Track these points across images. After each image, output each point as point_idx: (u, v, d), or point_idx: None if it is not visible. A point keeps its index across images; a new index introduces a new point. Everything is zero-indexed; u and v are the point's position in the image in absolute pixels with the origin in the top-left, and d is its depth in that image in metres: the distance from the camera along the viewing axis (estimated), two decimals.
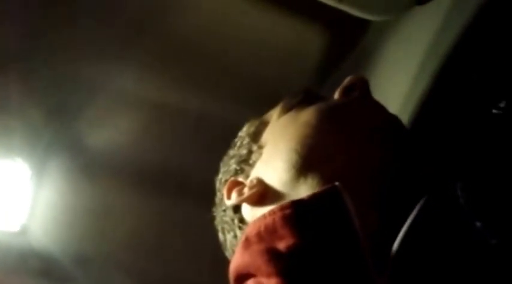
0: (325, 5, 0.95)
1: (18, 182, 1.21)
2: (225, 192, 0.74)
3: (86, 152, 1.19)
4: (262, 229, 0.61)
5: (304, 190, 0.64)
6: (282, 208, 0.60)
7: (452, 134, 0.91)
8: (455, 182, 0.76)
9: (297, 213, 0.60)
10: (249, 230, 0.63)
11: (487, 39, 0.88)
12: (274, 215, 0.60)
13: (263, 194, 0.68)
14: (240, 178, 0.74)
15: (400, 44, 1.03)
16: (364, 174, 0.64)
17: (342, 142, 0.66)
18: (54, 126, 1.18)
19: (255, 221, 0.63)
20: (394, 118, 0.71)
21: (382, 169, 0.64)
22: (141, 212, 1.24)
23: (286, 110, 0.74)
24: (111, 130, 1.18)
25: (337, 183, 0.59)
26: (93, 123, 1.18)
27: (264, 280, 0.59)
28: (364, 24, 1.09)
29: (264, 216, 0.61)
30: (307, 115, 0.71)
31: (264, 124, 0.76)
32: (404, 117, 0.94)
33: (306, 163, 0.65)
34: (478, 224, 0.67)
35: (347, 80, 0.75)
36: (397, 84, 0.99)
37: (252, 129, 0.77)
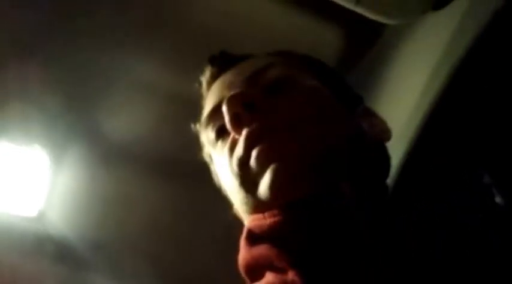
0: (341, 7, 0.95)
1: (37, 168, 1.23)
2: None
3: (104, 140, 1.21)
4: (265, 227, 0.63)
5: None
6: (283, 210, 0.62)
7: (463, 132, 0.92)
8: (480, 172, 0.77)
9: (297, 211, 0.61)
10: (252, 226, 0.65)
11: (501, 46, 0.88)
12: (275, 218, 0.62)
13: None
14: None
15: (415, 48, 1.04)
16: None
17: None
18: (73, 114, 1.19)
19: (254, 219, 0.65)
20: None
21: None
22: (157, 200, 1.26)
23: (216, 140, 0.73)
24: (128, 119, 1.19)
25: (340, 182, 0.61)
26: (111, 111, 1.19)
27: (279, 273, 0.61)
28: (379, 27, 1.09)
29: (263, 216, 0.63)
30: (216, 167, 0.74)
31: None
32: (416, 121, 0.96)
33: (248, 206, 0.67)
34: None
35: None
36: (410, 88, 1.00)
37: (208, 158, 0.80)
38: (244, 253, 0.66)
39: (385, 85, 1.08)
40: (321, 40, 1.12)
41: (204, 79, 0.80)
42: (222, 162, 0.70)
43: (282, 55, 0.78)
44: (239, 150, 0.65)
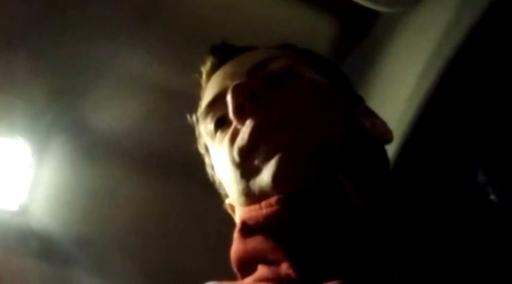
0: None
1: (19, 161, 1.20)
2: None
3: (89, 133, 1.19)
4: (261, 218, 0.62)
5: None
6: (281, 199, 0.61)
7: (458, 126, 0.91)
8: (475, 169, 0.77)
9: (295, 202, 0.60)
10: (246, 217, 0.64)
11: (497, 33, 0.88)
12: (272, 207, 0.61)
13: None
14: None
15: (409, 36, 1.03)
16: None
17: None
18: (58, 106, 1.17)
19: (250, 210, 0.64)
20: None
21: None
22: (143, 195, 1.24)
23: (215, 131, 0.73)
24: (115, 113, 1.18)
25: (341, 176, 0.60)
26: (97, 104, 1.17)
27: (273, 266, 0.60)
28: (374, 15, 1.08)
29: (260, 207, 0.62)
30: (213, 158, 0.74)
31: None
32: (412, 110, 0.94)
33: (246, 197, 0.66)
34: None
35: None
36: (405, 77, 0.99)
37: (203, 150, 0.79)
38: (237, 246, 0.65)
39: (379, 75, 1.07)
40: (315, 30, 1.11)
41: (204, 69, 0.80)
42: (220, 152, 0.70)
43: (283, 48, 0.78)
44: (241, 140, 0.65)
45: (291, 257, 0.59)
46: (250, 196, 0.65)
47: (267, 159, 0.62)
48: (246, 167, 0.65)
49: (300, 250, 0.59)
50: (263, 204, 0.62)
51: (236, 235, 0.65)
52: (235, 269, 0.66)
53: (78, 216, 1.22)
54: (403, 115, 0.95)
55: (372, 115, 0.74)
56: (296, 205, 0.60)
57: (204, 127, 0.75)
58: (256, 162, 0.63)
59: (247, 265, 0.64)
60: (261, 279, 0.60)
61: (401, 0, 0.99)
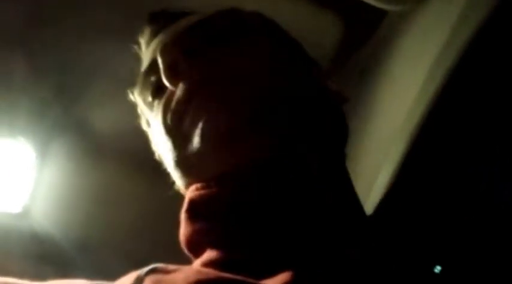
0: None
1: (21, 162, 1.19)
2: None
3: (91, 134, 1.18)
4: (211, 199, 0.56)
5: None
6: (233, 177, 0.54)
7: (467, 126, 0.90)
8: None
9: (251, 179, 0.54)
10: (194, 195, 0.58)
11: (507, 30, 0.86)
12: (223, 186, 0.55)
13: None
14: None
15: (417, 35, 1.01)
16: None
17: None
18: (60, 106, 1.15)
19: (197, 188, 0.58)
20: None
21: None
22: (145, 197, 1.22)
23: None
24: (117, 113, 1.15)
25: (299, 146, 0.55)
26: (100, 104, 1.16)
27: (222, 249, 0.55)
28: (380, 14, 1.06)
29: (208, 185, 0.56)
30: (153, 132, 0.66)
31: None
32: (420, 110, 0.92)
33: (184, 171, 0.61)
34: None
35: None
36: (413, 75, 0.97)
37: (146, 127, 0.74)
38: (185, 228, 0.59)
39: (386, 74, 1.05)
40: (320, 29, 1.09)
41: (143, 39, 0.73)
42: (157, 122, 0.63)
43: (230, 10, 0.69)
44: (174, 102, 0.58)
45: (239, 242, 0.54)
46: (187, 170, 0.59)
47: (197, 120, 0.55)
48: (178, 133, 0.58)
49: (252, 234, 0.54)
50: (212, 181, 0.56)
51: (183, 215, 0.60)
52: (186, 251, 0.61)
53: (80, 218, 1.20)
54: (411, 114, 0.93)
55: (326, 76, 0.68)
56: (247, 182, 0.54)
57: (143, 100, 0.68)
58: (186, 125, 0.57)
59: (196, 247, 0.58)
60: (209, 263, 0.55)
61: None
